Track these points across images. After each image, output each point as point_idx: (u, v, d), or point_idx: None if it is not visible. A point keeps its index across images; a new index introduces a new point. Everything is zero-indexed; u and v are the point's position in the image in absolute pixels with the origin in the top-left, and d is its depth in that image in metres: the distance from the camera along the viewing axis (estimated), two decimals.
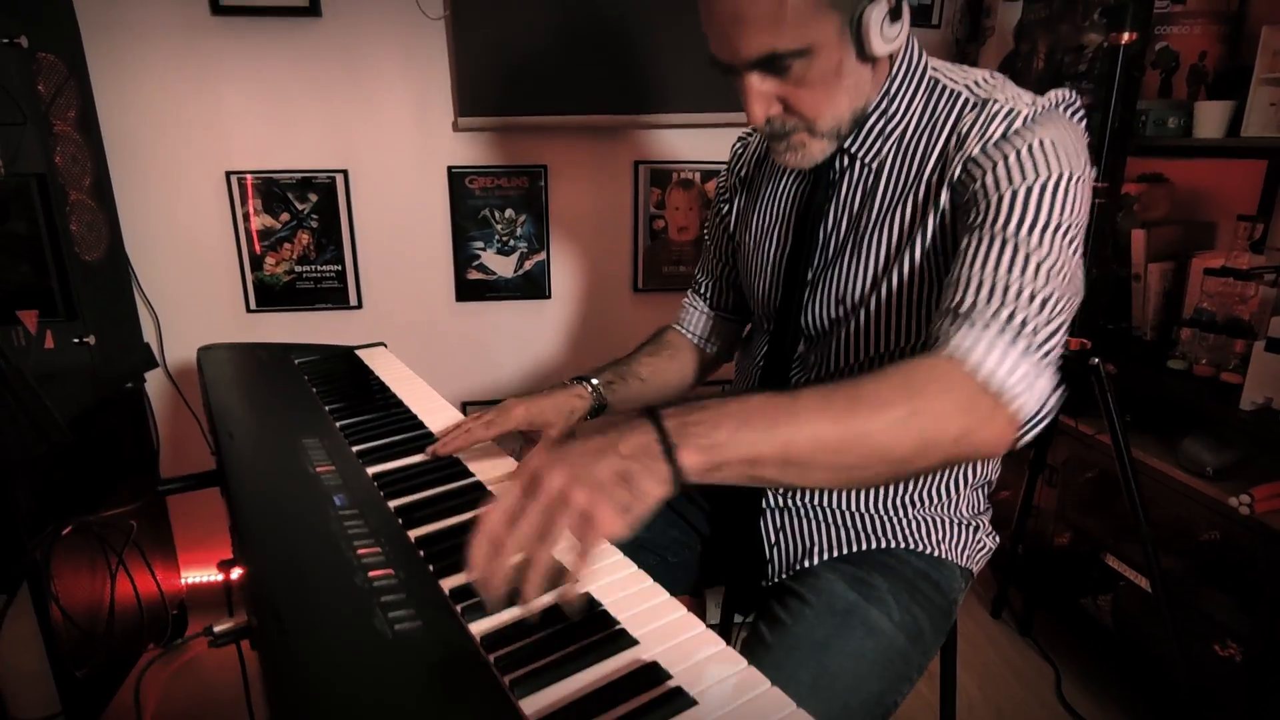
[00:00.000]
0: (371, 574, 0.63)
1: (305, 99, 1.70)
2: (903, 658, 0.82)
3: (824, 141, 0.83)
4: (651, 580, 0.67)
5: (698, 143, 1.87)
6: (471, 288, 1.89)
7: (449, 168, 1.79)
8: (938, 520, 0.92)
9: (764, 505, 0.95)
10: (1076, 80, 1.65)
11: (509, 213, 1.85)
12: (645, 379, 1.10)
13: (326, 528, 0.70)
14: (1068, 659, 1.74)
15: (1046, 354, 0.68)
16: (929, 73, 0.84)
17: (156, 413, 1.77)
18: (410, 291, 1.87)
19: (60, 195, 1.37)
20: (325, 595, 0.61)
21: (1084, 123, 0.80)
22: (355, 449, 0.91)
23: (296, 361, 1.26)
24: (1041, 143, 0.74)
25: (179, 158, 1.68)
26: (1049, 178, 0.72)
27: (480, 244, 1.86)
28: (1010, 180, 0.73)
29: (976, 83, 0.82)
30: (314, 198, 1.76)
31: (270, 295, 1.80)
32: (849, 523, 0.92)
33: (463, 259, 1.86)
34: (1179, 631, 1.38)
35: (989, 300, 0.69)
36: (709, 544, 1.05)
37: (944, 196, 0.79)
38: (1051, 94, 0.79)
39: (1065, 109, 0.79)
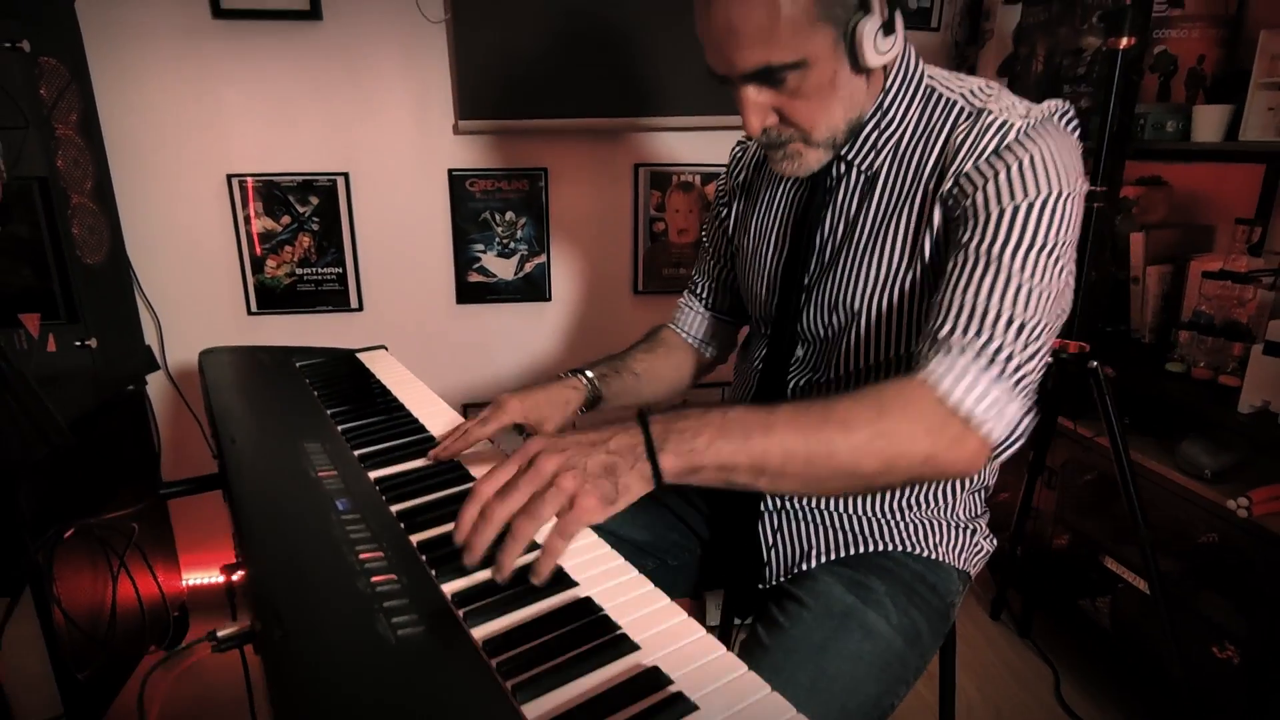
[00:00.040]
0: (374, 579, 0.63)
1: (306, 102, 1.70)
2: (900, 660, 0.82)
3: (820, 151, 0.84)
4: (652, 585, 0.67)
5: (697, 145, 1.88)
6: (472, 290, 1.89)
7: (449, 170, 1.80)
8: (935, 523, 0.93)
9: (762, 508, 0.96)
10: (1075, 83, 1.66)
11: (509, 215, 1.85)
12: (639, 374, 1.10)
13: (329, 532, 0.71)
14: (1066, 660, 1.74)
15: (1019, 380, 0.72)
16: (925, 81, 0.85)
17: (158, 415, 1.77)
18: (411, 294, 1.88)
19: (62, 198, 1.37)
20: (328, 600, 0.61)
21: (1079, 131, 0.81)
22: (357, 453, 0.92)
23: (298, 365, 1.26)
24: (1033, 159, 0.74)
25: (180, 161, 1.69)
26: (1037, 197, 0.73)
27: (481, 246, 1.87)
28: (999, 200, 0.74)
29: (972, 91, 0.83)
30: (315, 200, 1.76)
31: (271, 298, 1.80)
32: (847, 525, 0.93)
33: (463, 261, 1.87)
34: (1177, 633, 1.38)
35: (967, 326, 0.72)
36: (708, 547, 1.06)
37: (937, 211, 0.80)
38: (1046, 104, 0.79)
39: (1060, 118, 0.79)
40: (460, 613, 0.61)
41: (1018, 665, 1.75)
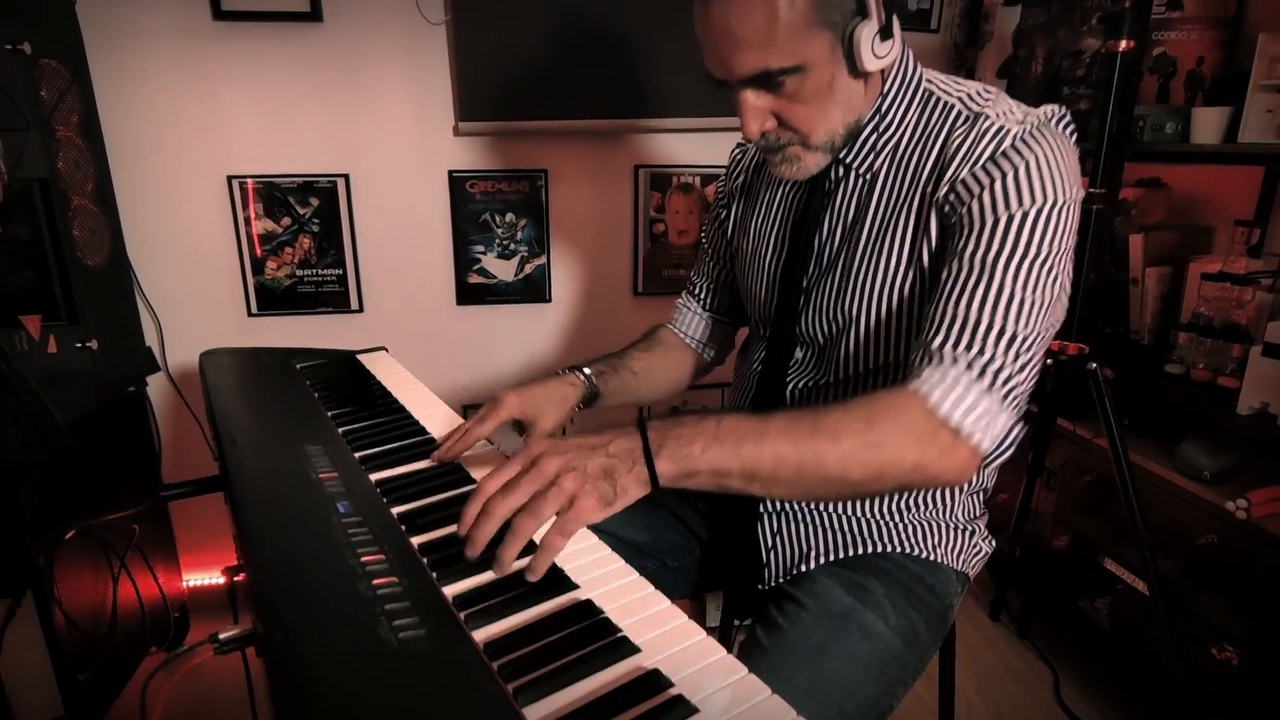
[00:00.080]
0: (375, 581, 0.63)
1: (306, 103, 1.71)
2: (898, 661, 0.83)
3: (818, 154, 0.84)
4: (652, 587, 0.67)
5: (697, 147, 1.88)
6: (472, 291, 1.90)
7: (450, 172, 1.80)
8: (934, 525, 0.93)
9: (761, 510, 0.96)
10: (1074, 85, 1.66)
11: (509, 217, 1.86)
12: (637, 373, 1.11)
13: (330, 535, 0.71)
14: (1066, 661, 1.74)
15: (1010, 392, 0.73)
16: (923, 85, 0.85)
17: (158, 416, 1.78)
18: (411, 295, 1.88)
19: (63, 200, 1.37)
20: (330, 602, 0.61)
21: (1075, 135, 0.81)
22: (358, 455, 0.92)
23: (298, 366, 1.27)
24: (1029, 167, 0.74)
25: (181, 162, 1.69)
26: (1032, 206, 0.74)
27: (481, 248, 1.87)
28: (994, 208, 0.75)
29: (970, 95, 0.83)
30: (315, 202, 1.76)
31: (271, 299, 1.81)
32: (845, 527, 0.93)
33: (463, 263, 1.87)
34: (1176, 634, 1.39)
35: (959, 338, 0.73)
36: (707, 548, 1.06)
37: (934, 217, 0.80)
38: (1043, 109, 0.79)
39: (1057, 123, 0.79)
40: (462, 615, 0.61)
41: (1017, 666, 1.75)
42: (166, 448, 1.80)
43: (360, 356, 1.35)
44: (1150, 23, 1.51)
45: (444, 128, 1.77)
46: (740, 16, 0.73)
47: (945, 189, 0.79)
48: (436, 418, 1.07)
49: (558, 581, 0.67)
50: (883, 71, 0.83)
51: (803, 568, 0.92)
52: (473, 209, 1.84)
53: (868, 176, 0.87)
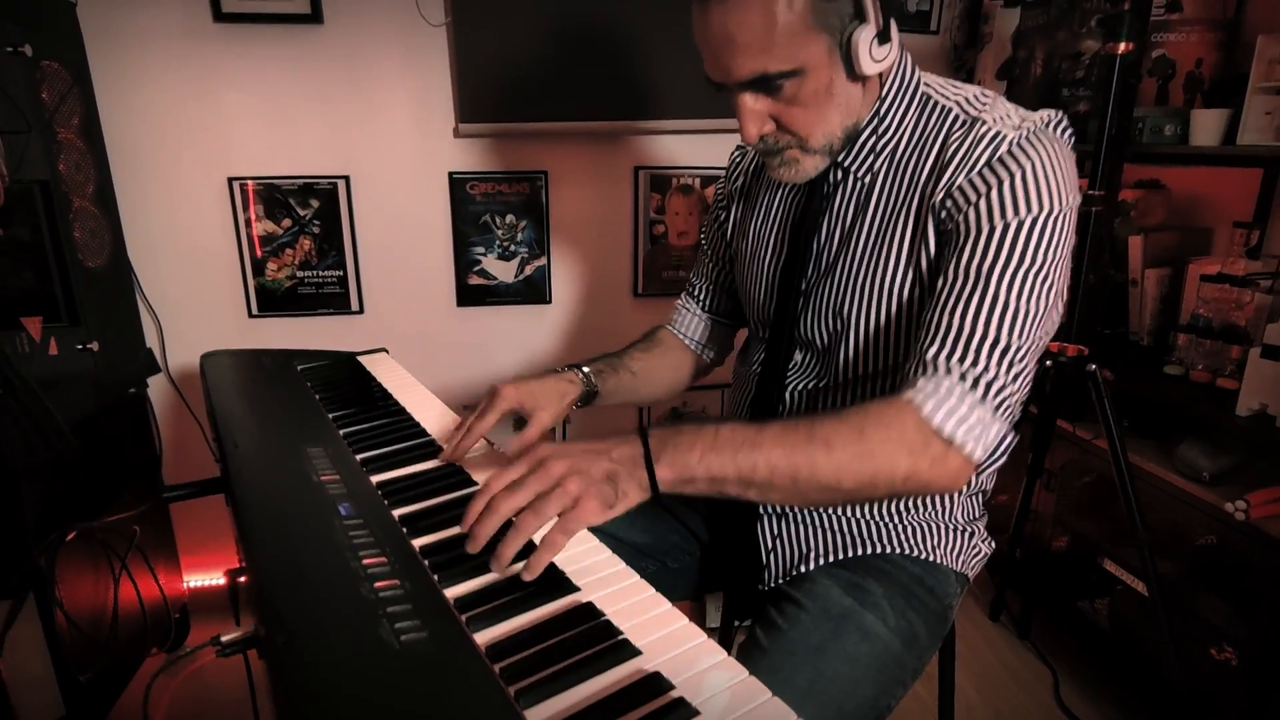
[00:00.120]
0: (377, 584, 0.64)
1: (307, 105, 1.71)
2: (897, 662, 0.83)
3: (816, 157, 0.84)
4: (653, 590, 0.67)
5: (697, 148, 1.88)
6: (472, 293, 1.90)
7: (450, 173, 1.80)
8: (933, 525, 0.93)
9: (761, 511, 0.96)
10: (1074, 87, 1.67)
11: (510, 218, 1.86)
12: (636, 373, 1.11)
13: (332, 537, 0.71)
14: (1066, 662, 1.75)
15: (1002, 403, 0.74)
16: (921, 89, 0.86)
17: (159, 418, 1.78)
18: (412, 297, 1.88)
19: (64, 202, 1.37)
20: (332, 605, 0.61)
21: (1073, 139, 0.81)
22: (359, 457, 0.92)
23: (299, 368, 1.27)
24: (1025, 175, 0.75)
25: (181, 164, 1.69)
26: (1029, 215, 0.74)
27: (481, 249, 1.87)
28: (991, 217, 0.75)
29: (968, 100, 0.83)
30: (315, 203, 1.76)
31: (272, 300, 1.81)
32: (845, 528, 0.93)
33: (464, 264, 1.87)
34: (1175, 635, 1.39)
35: (953, 349, 0.74)
36: (708, 550, 1.06)
37: (931, 223, 0.81)
38: (1040, 114, 0.80)
39: (1053, 128, 0.79)
40: (463, 618, 0.61)
41: (1017, 666, 1.75)
42: (167, 449, 1.80)
43: (361, 358, 1.35)
44: (1149, 25, 1.51)
45: (444, 129, 1.77)
46: (738, 20, 0.73)
47: (942, 194, 0.79)
48: (437, 419, 1.07)
49: (559, 584, 0.67)
50: (880, 75, 0.83)
51: (802, 569, 0.92)
52: (473, 210, 1.84)
53: (866, 180, 0.87)
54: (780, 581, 0.94)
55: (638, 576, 0.69)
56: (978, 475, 0.77)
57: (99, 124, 1.56)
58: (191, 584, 1.90)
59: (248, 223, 1.75)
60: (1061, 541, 1.76)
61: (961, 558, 0.94)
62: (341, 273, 1.82)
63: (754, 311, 1.03)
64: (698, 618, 0.73)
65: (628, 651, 0.58)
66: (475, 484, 0.87)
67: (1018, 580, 1.89)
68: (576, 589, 0.67)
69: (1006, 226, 0.74)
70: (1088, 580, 1.67)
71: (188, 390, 1.82)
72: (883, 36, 0.77)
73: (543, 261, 1.90)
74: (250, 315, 1.81)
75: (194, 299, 1.78)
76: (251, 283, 1.79)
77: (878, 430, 0.72)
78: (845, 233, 0.88)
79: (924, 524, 0.93)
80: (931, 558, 0.92)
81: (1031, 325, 0.74)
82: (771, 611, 0.86)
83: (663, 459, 0.70)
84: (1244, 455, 1.41)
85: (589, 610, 0.64)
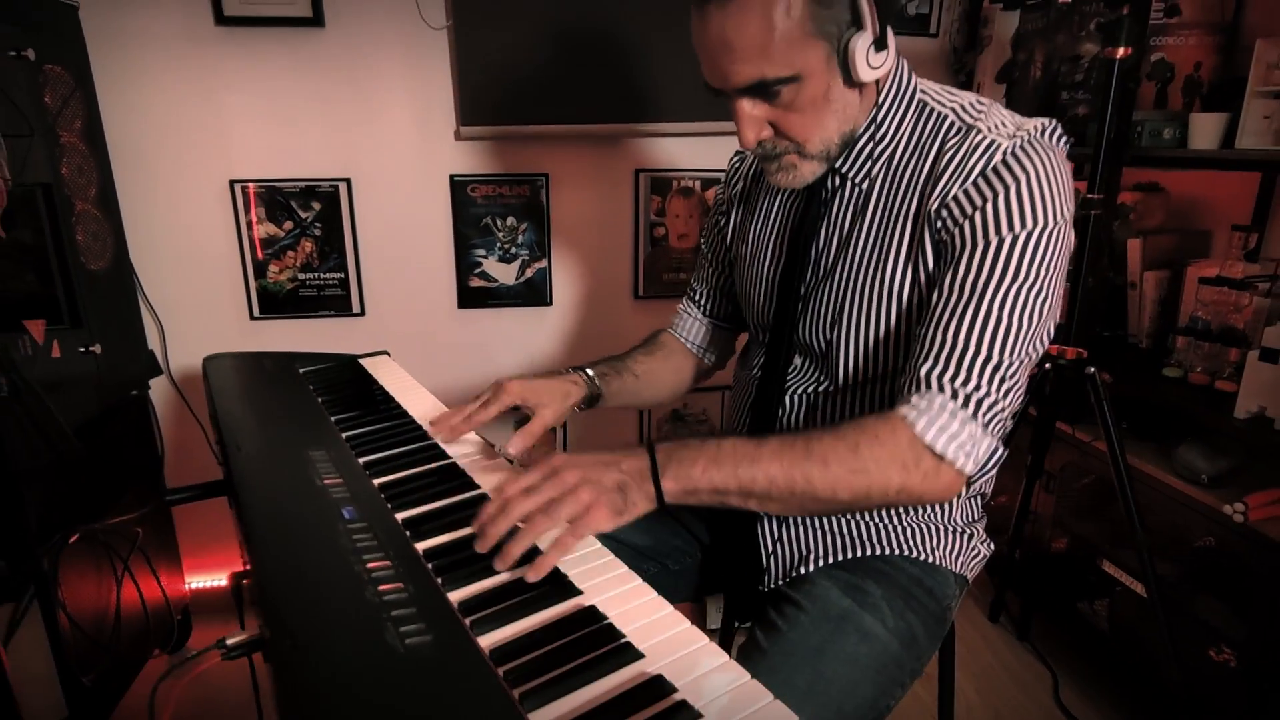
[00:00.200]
0: (381, 587, 0.64)
1: (308, 108, 1.71)
2: (896, 663, 0.83)
3: (814, 163, 0.85)
4: (655, 593, 0.68)
5: (697, 151, 1.89)
6: (473, 295, 1.90)
7: (451, 176, 1.81)
8: (932, 527, 0.94)
9: (761, 514, 0.97)
10: (1073, 90, 1.67)
11: (511, 220, 1.86)
12: (639, 376, 1.12)
13: (336, 541, 0.71)
14: (1065, 663, 1.75)
15: (993, 419, 0.76)
16: (918, 95, 0.86)
17: (161, 420, 1.78)
18: (413, 299, 1.89)
19: (66, 205, 1.38)
20: (336, 609, 0.62)
21: (1069, 146, 0.81)
22: (361, 460, 0.93)
23: (301, 370, 1.27)
24: (1019, 189, 0.75)
25: (183, 167, 1.70)
26: (1023, 230, 0.75)
27: (482, 252, 1.87)
28: (985, 233, 0.76)
29: (963, 107, 0.84)
30: (317, 206, 1.77)
31: (274, 303, 1.81)
32: (844, 530, 0.94)
33: (465, 267, 1.88)
34: (1174, 636, 1.39)
35: (946, 366, 0.76)
36: (709, 551, 1.07)
37: (926, 232, 0.81)
38: (1035, 122, 0.80)
39: (1048, 136, 0.80)
40: (467, 621, 0.62)
41: (1016, 668, 1.76)
42: (168, 451, 1.81)
43: (363, 360, 1.35)
44: (1148, 29, 1.51)
45: (445, 132, 1.78)
46: (737, 27, 0.74)
47: (936, 203, 0.80)
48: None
49: (561, 587, 0.68)
50: (877, 82, 0.84)
51: (802, 570, 0.93)
52: (474, 213, 1.84)
53: (863, 186, 0.87)
54: (780, 583, 0.95)
55: (640, 580, 0.70)
56: (968, 485, 0.79)
57: (101, 127, 1.56)
58: (194, 585, 1.90)
59: (249, 225, 1.75)
60: (1061, 543, 1.76)
61: (960, 559, 0.95)
62: (343, 275, 1.82)
63: (754, 315, 1.04)
64: (698, 619, 0.74)
65: (630, 655, 0.59)
66: (477, 487, 0.87)
67: (1017, 581, 1.90)
68: (579, 592, 0.67)
69: (1001, 242, 0.75)
70: (1087, 581, 1.67)
71: (189, 392, 1.82)
72: (879, 43, 0.78)
73: (543, 264, 1.91)
74: (252, 317, 1.82)
75: (195, 301, 1.78)
76: (253, 285, 1.79)
77: (872, 446, 0.74)
78: (843, 238, 0.89)
79: (923, 526, 0.94)
80: (930, 559, 0.92)
81: (1025, 341, 0.76)
82: (771, 613, 0.87)
83: (668, 472, 0.73)
84: (1242, 457, 1.41)
85: (592, 613, 0.64)
